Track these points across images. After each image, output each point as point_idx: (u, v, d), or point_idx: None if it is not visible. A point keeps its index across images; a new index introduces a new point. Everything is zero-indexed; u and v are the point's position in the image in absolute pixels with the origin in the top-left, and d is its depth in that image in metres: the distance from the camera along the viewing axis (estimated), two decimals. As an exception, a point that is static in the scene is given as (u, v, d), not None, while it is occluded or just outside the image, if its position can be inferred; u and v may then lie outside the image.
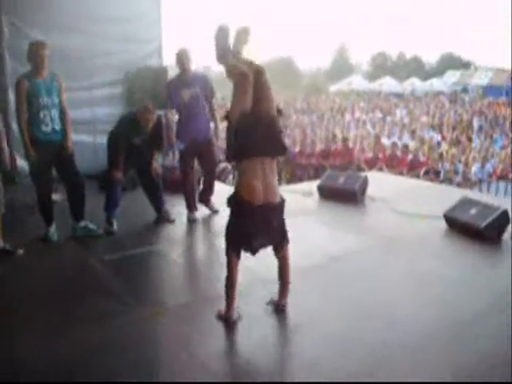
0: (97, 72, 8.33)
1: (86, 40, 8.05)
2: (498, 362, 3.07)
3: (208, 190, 6.28)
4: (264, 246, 3.60)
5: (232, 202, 3.54)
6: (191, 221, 6.04)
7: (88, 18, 8.09)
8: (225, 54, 3.57)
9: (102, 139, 6.41)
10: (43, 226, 5.33)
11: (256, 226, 3.49)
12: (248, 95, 3.41)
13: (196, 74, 6.01)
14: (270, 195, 3.46)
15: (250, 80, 3.40)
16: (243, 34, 3.58)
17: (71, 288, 4.30)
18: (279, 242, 3.63)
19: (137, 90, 8.42)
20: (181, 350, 3.35)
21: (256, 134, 3.40)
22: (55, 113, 5.16)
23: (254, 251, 3.59)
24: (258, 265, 3.55)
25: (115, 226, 5.61)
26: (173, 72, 7.42)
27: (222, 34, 3.58)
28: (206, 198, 6.29)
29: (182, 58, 5.81)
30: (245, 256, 3.59)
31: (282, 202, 3.57)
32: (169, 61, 9.16)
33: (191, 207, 6.10)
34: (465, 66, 45.47)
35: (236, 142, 3.44)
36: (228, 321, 3.57)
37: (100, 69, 8.35)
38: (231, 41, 3.59)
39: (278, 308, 3.73)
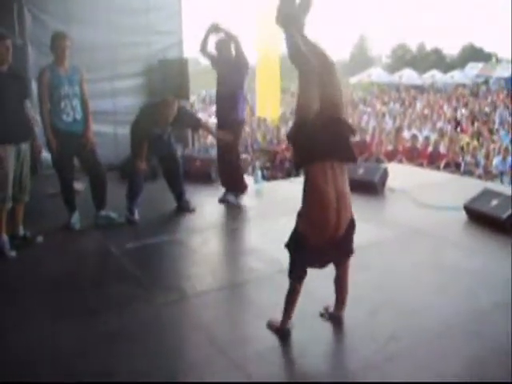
0: (118, 63, 8.43)
1: (107, 31, 8.15)
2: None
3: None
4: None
5: (294, 242, 3.10)
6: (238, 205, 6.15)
7: (108, 10, 8.19)
8: (288, 21, 2.97)
9: (124, 130, 6.47)
10: (64, 215, 5.42)
11: (325, 255, 3.15)
12: (313, 90, 2.91)
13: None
14: (343, 213, 2.99)
15: (315, 72, 2.90)
16: (306, 2, 2.98)
17: (92, 275, 4.37)
18: (345, 257, 3.27)
19: (158, 82, 8.48)
20: (200, 335, 3.38)
21: (323, 135, 2.92)
22: (76, 103, 5.23)
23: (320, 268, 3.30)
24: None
25: (137, 215, 5.67)
26: (192, 64, 7.50)
27: None
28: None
29: (220, 46, 6.05)
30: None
31: (353, 218, 3.13)
32: (189, 53, 9.24)
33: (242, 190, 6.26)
34: (486, 58, 44.83)
35: (305, 145, 2.97)
36: (283, 333, 3.27)
37: (121, 60, 8.45)
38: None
39: (335, 320, 3.44)
